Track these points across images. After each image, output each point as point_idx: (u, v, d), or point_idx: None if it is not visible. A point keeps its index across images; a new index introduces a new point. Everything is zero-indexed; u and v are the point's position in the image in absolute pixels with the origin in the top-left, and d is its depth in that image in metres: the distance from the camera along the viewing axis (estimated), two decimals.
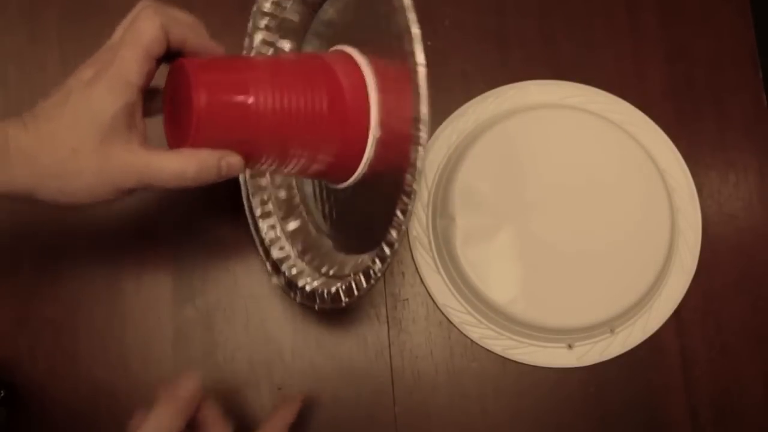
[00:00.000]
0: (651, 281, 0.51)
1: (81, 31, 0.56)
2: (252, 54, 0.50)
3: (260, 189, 0.51)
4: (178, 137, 0.40)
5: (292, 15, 0.49)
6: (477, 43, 0.56)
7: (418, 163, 0.34)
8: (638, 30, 0.58)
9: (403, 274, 0.53)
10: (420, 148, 0.34)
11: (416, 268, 0.53)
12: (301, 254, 0.49)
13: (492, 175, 0.52)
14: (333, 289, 0.42)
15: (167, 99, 0.41)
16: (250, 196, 0.51)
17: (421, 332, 0.52)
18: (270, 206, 0.51)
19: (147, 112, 0.41)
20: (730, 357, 0.53)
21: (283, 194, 0.51)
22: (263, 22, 0.49)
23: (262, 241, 0.50)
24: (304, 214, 0.50)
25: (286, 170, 0.42)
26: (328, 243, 0.48)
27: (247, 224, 0.53)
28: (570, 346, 0.52)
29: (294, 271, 0.47)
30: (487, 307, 0.51)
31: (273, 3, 0.48)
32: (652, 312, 0.53)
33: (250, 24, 0.49)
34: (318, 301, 0.44)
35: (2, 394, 0.49)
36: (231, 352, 0.52)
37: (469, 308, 0.52)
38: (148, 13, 0.38)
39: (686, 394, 0.52)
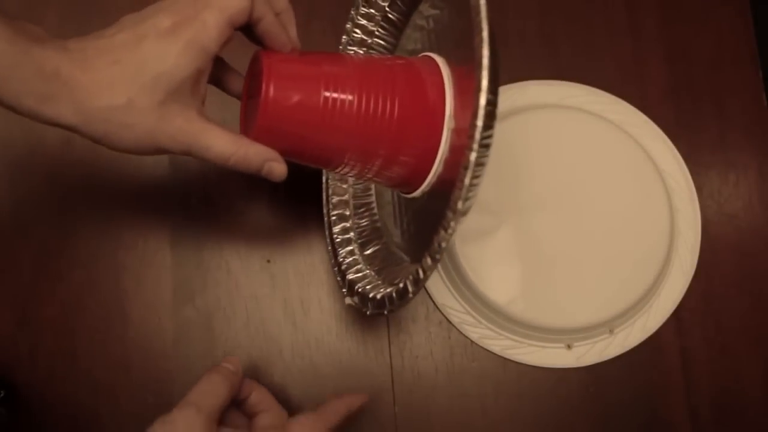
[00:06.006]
0: (650, 282, 0.51)
1: (81, 31, 0.56)
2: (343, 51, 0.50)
3: (343, 218, 0.51)
4: (246, 125, 0.40)
5: (393, 7, 0.48)
6: None
7: (466, 181, 0.33)
8: (638, 30, 0.58)
9: None
10: (467, 171, 0.33)
11: None
12: (378, 272, 0.48)
13: (491, 174, 0.52)
14: (379, 296, 0.42)
15: (246, 86, 0.42)
16: (332, 224, 0.50)
17: (421, 332, 0.52)
18: (351, 234, 0.50)
19: (211, 79, 0.40)
20: (730, 357, 0.53)
21: (365, 222, 0.51)
22: (363, 11, 0.49)
23: (339, 265, 0.49)
24: (384, 237, 0.50)
25: (367, 173, 0.41)
26: (405, 258, 0.47)
27: (247, 225, 0.53)
28: (569, 347, 0.52)
29: (369, 287, 0.46)
30: (486, 307, 0.51)
31: None
32: (652, 312, 0.53)
33: (351, 13, 0.49)
34: (387, 305, 0.42)
35: (2, 394, 0.49)
36: (231, 352, 0.52)
37: (468, 308, 0.52)
38: None
39: (686, 394, 0.52)
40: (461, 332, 0.52)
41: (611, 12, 0.58)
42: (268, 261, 0.53)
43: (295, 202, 0.54)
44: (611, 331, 0.52)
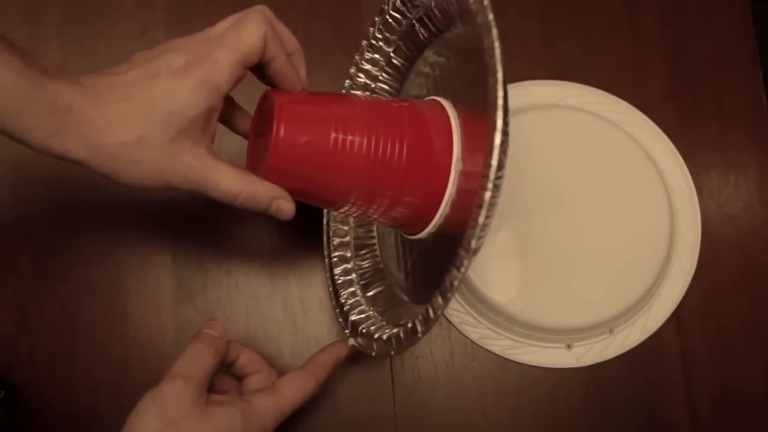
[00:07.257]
0: (650, 282, 0.51)
1: (81, 31, 0.56)
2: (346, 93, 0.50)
3: (344, 259, 0.51)
4: (254, 163, 0.40)
5: (398, 53, 0.49)
6: None
7: (480, 220, 0.33)
8: (638, 30, 0.58)
9: None
10: (482, 210, 0.33)
11: None
12: (381, 313, 0.47)
13: None
14: (385, 336, 0.42)
15: (254, 124, 0.42)
16: (333, 266, 0.50)
17: None
18: (353, 276, 0.50)
19: (221, 117, 0.40)
20: (730, 357, 0.53)
21: (367, 263, 0.51)
22: (367, 56, 0.49)
23: (341, 306, 0.49)
24: (387, 279, 0.50)
25: (373, 213, 0.41)
26: (407, 300, 0.47)
27: (248, 225, 0.53)
28: (569, 347, 0.52)
29: (373, 328, 0.46)
30: (486, 307, 0.51)
31: (382, 39, 0.48)
32: (652, 312, 0.53)
33: (355, 58, 0.50)
34: (395, 345, 0.41)
35: (2, 394, 0.49)
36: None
37: (468, 308, 0.52)
38: (257, 19, 0.37)
39: (686, 393, 0.52)
40: (461, 332, 0.52)
41: (611, 12, 0.58)
42: (269, 261, 0.53)
43: (296, 203, 0.54)
44: (611, 331, 0.52)
